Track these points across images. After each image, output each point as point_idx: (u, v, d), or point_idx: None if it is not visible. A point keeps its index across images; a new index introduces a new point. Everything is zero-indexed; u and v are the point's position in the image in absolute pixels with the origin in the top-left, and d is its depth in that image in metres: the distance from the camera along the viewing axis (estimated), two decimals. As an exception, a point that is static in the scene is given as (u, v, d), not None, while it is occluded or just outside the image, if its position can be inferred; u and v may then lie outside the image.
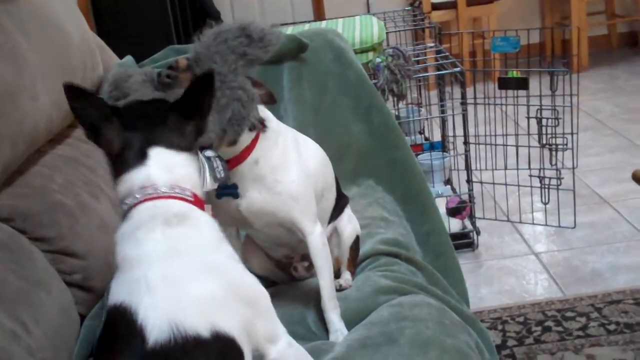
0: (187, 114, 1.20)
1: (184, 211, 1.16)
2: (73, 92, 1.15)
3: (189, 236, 1.15)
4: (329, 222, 1.67)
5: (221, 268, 1.15)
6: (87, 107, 1.16)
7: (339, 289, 1.61)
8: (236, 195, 1.44)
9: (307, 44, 2.26)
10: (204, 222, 1.18)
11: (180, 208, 1.16)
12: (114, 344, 1.07)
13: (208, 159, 1.36)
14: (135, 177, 1.16)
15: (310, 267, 1.66)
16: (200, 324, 1.04)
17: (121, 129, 1.18)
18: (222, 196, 1.45)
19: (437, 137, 3.76)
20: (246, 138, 1.42)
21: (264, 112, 1.50)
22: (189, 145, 1.22)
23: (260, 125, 1.44)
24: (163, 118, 1.20)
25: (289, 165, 1.47)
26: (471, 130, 3.15)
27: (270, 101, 1.46)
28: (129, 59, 2.27)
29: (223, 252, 1.18)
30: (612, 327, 2.43)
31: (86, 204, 1.74)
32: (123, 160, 1.18)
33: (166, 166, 1.17)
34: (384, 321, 1.45)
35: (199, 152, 1.30)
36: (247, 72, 1.39)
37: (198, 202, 1.20)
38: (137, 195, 1.15)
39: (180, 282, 1.08)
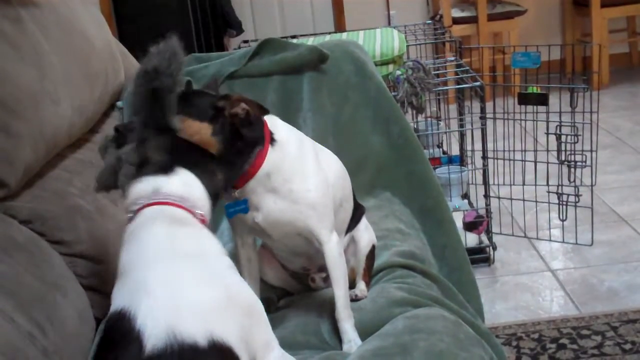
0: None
1: (188, 219, 1.19)
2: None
3: (191, 237, 1.17)
4: (346, 232, 1.67)
5: (221, 276, 1.15)
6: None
7: (354, 299, 1.61)
8: (245, 211, 1.45)
9: (328, 54, 2.27)
10: (206, 233, 1.20)
11: (185, 216, 1.19)
12: (112, 350, 1.07)
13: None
14: (153, 182, 1.20)
15: (328, 278, 1.66)
16: (198, 332, 1.04)
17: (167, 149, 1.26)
18: (232, 215, 1.46)
19: (455, 151, 3.76)
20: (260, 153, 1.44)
21: (274, 122, 1.50)
22: (215, 190, 1.29)
23: (263, 141, 1.45)
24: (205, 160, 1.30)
25: (305, 173, 1.48)
26: (490, 145, 3.14)
27: (262, 112, 1.46)
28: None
29: (223, 262, 1.19)
30: (627, 346, 2.40)
31: (105, 209, 1.75)
32: (149, 164, 1.22)
33: (186, 183, 1.22)
34: (398, 332, 1.45)
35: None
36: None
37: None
38: (148, 198, 1.19)
39: (180, 287, 1.09)
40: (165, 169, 1.22)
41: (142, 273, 1.09)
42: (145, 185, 1.21)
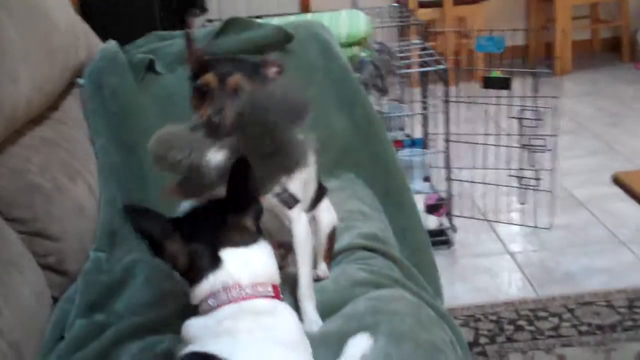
0: (241, 208, 1.20)
1: (270, 308, 1.16)
2: (133, 211, 1.17)
3: (278, 328, 1.15)
4: (308, 212, 1.67)
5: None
6: (147, 225, 1.17)
7: (316, 280, 1.61)
8: None
9: (293, 35, 2.26)
10: (288, 318, 1.19)
11: (266, 306, 1.16)
12: None
13: None
14: (216, 280, 1.15)
15: (285, 256, 1.65)
16: None
17: (183, 242, 1.17)
18: None
19: (418, 134, 3.77)
20: None
21: None
22: (255, 235, 1.22)
23: None
24: (222, 221, 1.20)
25: None
26: (452, 129, 3.16)
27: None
28: (112, 44, 2.25)
29: (305, 347, 1.19)
30: (583, 328, 2.45)
31: (63, 187, 1.73)
32: (196, 270, 1.17)
33: (242, 264, 1.17)
34: (361, 314, 1.45)
35: None
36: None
37: (277, 294, 1.20)
38: (223, 297, 1.14)
39: None
40: (215, 260, 1.16)
41: (234, 347, 1.09)
42: (209, 284, 1.16)
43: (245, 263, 1.18)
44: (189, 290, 1.18)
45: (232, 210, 1.20)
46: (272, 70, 1.43)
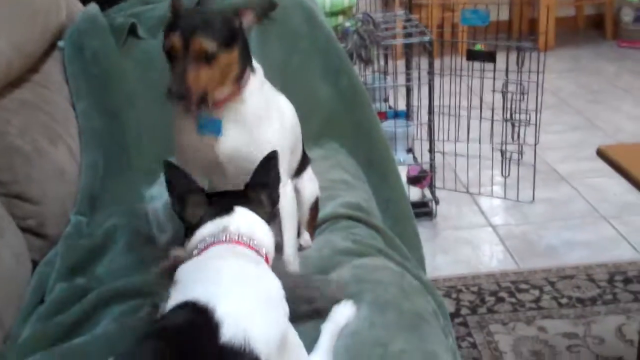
0: (259, 185, 1.28)
1: (257, 260, 1.19)
2: (170, 167, 1.26)
3: (261, 278, 1.16)
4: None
5: (279, 319, 1.14)
6: (180, 179, 1.26)
7: (299, 249, 1.60)
8: (218, 132, 1.39)
9: (277, 2, 2.22)
10: (272, 278, 1.19)
11: (254, 257, 1.19)
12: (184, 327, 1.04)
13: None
14: (219, 222, 1.21)
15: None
16: (262, 353, 1.03)
17: (206, 201, 1.25)
18: (203, 132, 1.40)
19: (401, 105, 3.76)
20: (249, 74, 1.41)
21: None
22: (268, 215, 1.28)
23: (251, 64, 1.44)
24: (243, 193, 1.28)
25: (271, 115, 1.45)
26: (436, 101, 3.15)
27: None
28: (93, 7, 2.21)
29: (283, 308, 1.18)
30: (564, 300, 2.46)
31: (43, 149, 1.71)
32: (207, 215, 1.23)
33: (248, 221, 1.23)
34: (345, 283, 1.44)
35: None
36: None
37: (267, 260, 1.23)
38: (220, 237, 1.19)
39: (251, 311, 1.07)
40: (227, 209, 1.23)
41: (216, 290, 1.07)
42: (212, 226, 1.21)
43: (251, 223, 1.24)
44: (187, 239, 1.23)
45: (250, 186, 1.28)
46: (248, 19, 1.40)
